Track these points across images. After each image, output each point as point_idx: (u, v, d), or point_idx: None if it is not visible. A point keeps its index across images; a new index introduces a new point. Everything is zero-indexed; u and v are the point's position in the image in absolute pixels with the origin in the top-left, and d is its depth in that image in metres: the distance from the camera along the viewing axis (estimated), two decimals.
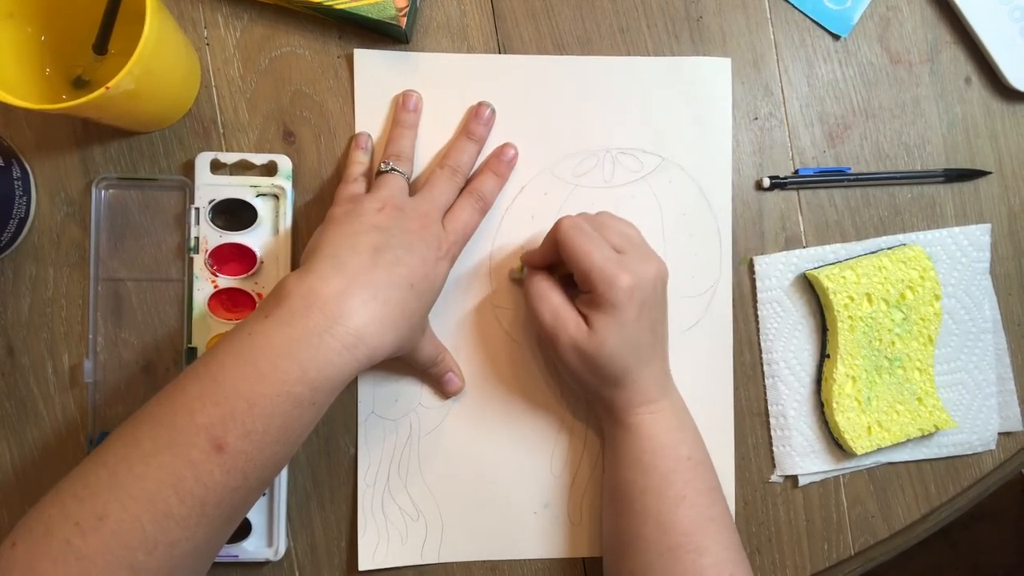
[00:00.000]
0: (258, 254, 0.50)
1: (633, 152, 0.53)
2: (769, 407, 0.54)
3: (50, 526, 0.35)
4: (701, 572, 0.43)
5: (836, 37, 0.55)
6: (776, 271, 0.54)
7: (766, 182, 0.54)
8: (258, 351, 0.38)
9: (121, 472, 0.36)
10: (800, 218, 0.55)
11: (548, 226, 0.53)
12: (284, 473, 0.51)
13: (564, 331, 0.46)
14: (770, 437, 0.54)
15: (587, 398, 0.51)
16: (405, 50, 0.52)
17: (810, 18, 0.55)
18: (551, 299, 0.47)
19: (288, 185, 0.51)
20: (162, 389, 0.39)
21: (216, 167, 0.51)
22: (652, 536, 0.44)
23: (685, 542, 0.44)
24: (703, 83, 0.54)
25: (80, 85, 0.48)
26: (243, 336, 0.39)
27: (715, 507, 0.46)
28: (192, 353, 0.50)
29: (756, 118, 0.54)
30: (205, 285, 0.50)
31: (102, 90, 0.40)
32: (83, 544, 0.34)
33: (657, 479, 0.45)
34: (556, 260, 0.48)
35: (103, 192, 0.51)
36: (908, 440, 0.53)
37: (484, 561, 0.52)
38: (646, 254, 0.46)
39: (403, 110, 0.51)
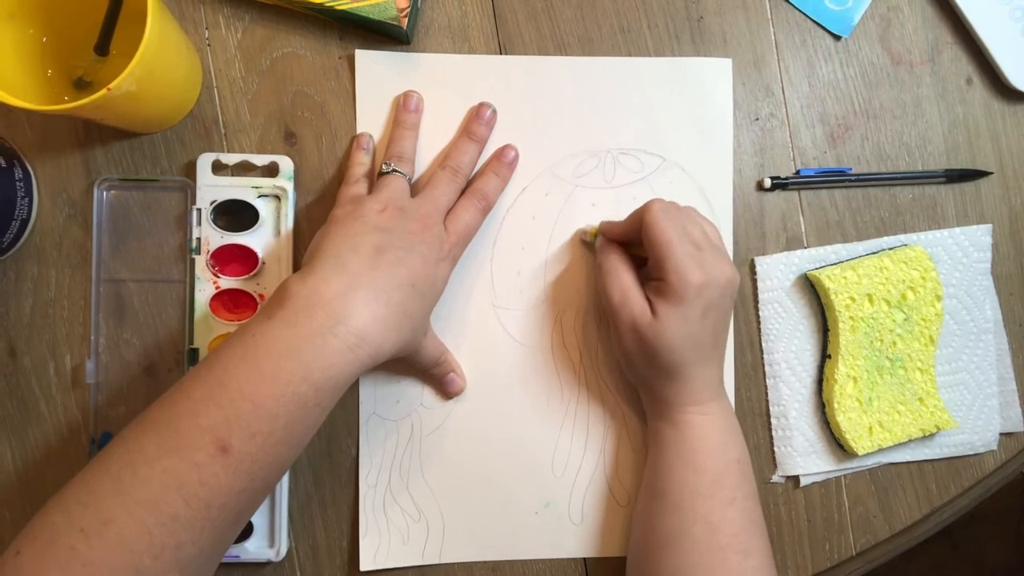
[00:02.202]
0: (260, 255, 0.50)
1: (634, 153, 0.53)
2: (770, 407, 0.54)
3: (55, 533, 0.35)
4: (745, 573, 0.44)
5: (837, 37, 0.55)
6: (777, 271, 0.54)
7: (767, 182, 0.54)
8: (262, 352, 0.38)
9: (125, 477, 0.36)
10: (801, 218, 0.55)
11: (549, 227, 0.53)
12: (286, 474, 0.51)
13: (628, 312, 0.46)
14: (771, 437, 0.54)
15: (638, 387, 0.51)
16: (406, 51, 0.52)
17: (811, 19, 0.55)
18: (622, 278, 0.47)
19: (290, 186, 0.51)
20: (165, 392, 0.39)
21: (218, 168, 0.51)
22: (701, 535, 0.44)
23: (734, 543, 0.44)
24: (704, 84, 0.54)
25: (82, 86, 0.48)
26: (246, 337, 0.39)
27: (758, 511, 0.47)
28: (194, 354, 0.50)
29: (757, 119, 0.54)
30: (207, 286, 0.50)
31: (104, 91, 0.40)
32: (88, 550, 0.34)
33: (709, 480, 0.46)
34: (634, 239, 0.48)
35: (105, 193, 0.51)
36: (909, 440, 0.53)
37: (485, 562, 0.52)
38: (722, 257, 0.46)
39: (404, 111, 0.51)
